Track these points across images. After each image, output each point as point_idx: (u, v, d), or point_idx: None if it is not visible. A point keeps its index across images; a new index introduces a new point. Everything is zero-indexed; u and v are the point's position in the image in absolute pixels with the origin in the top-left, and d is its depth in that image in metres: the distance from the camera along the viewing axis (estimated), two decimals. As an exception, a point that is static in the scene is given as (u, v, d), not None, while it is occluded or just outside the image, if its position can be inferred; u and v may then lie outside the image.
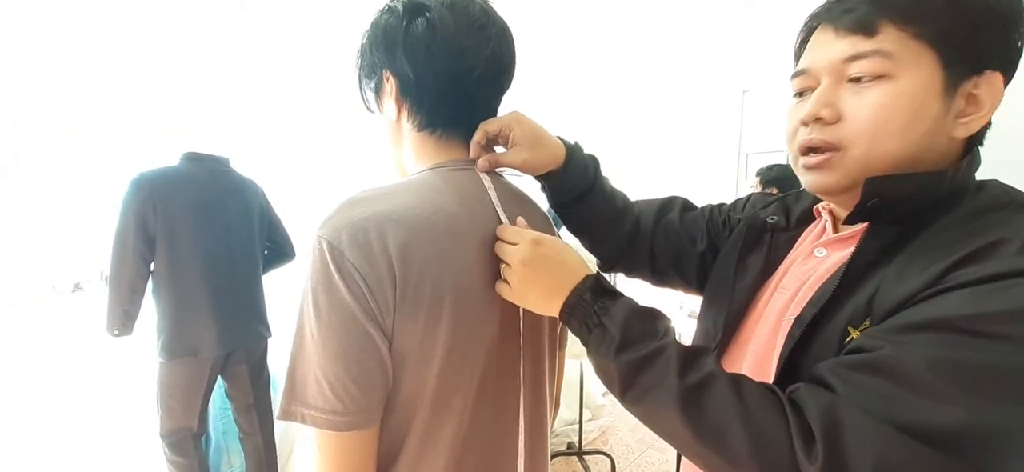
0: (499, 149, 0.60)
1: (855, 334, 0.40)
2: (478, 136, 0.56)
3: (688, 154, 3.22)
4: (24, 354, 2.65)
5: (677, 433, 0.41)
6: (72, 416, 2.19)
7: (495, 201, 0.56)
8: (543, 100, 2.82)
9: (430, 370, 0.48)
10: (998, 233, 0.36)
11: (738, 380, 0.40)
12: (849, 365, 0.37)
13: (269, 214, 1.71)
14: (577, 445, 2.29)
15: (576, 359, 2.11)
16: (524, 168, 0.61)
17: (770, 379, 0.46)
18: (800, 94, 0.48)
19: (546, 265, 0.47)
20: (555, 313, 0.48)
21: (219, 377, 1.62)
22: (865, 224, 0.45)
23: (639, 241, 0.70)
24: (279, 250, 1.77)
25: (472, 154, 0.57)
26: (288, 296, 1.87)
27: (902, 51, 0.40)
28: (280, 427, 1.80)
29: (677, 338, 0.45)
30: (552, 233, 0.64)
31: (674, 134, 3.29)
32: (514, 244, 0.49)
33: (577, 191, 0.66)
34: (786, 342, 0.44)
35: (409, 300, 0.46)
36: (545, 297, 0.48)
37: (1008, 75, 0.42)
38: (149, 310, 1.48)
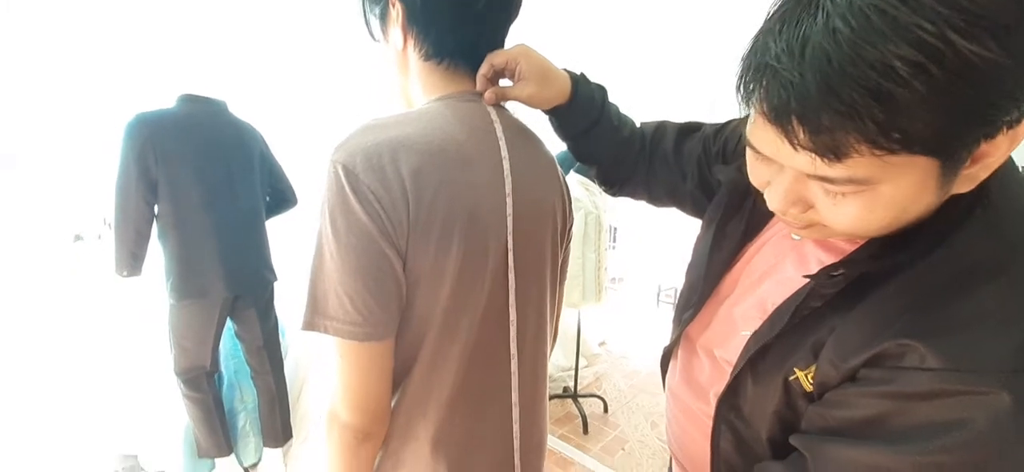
0: (505, 82, 0.60)
1: (800, 375, 0.42)
2: (484, 69, 0.56)
3: (703, 89, 3.08)
4: (36, 302, 2.72)
5: None
6: (90, 359, 2.28)
7: (500, 135, 0.56)
8: (549, 33, 2.71)
9: (441, 290, 0.51)
10: (917, 327, 0.34)
11: None
12: None
13: (269, 160, 1.71)
14: (573, 389, 2.40)
15: (574, 308, 2.17)
16: (530, 103, 0.61)
17: (726, 353, 0.50)
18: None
19: None
20: None
21: (228, 319, 1.68)
22: None
23: (638, 172, 0.70)
24: (281, 196, 1.78)
25: (479, 87, 0.57)
26: (292, 242, 1.90)
27: (880, 172, 0.31)
28: (290, 365, 1.88)
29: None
30: (556, 176, 0.66)
31: (686, 67, 3.15)
32: None
33: (584, 125, 0.66)
34: (741, 355, 0.47)
35: (422, 223, 0.48)
36: None
37: None
38: (157, 252, 1.51)
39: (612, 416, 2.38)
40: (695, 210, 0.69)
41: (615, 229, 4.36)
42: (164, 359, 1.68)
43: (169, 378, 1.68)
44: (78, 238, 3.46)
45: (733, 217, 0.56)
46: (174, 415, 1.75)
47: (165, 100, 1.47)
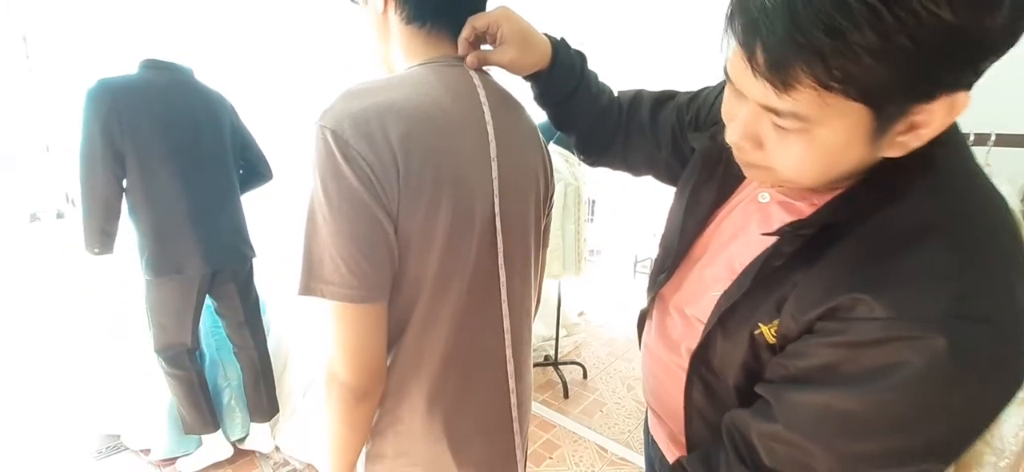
0: (486, 47, 0.61)
1: (764, 329, 0.46)
2: (466, 32, 0.57)
3: (678, 74, 3.15)
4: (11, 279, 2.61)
5: None
6: (66, 341, 2.22)
7: (483, 101, 0.58)
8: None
9: (432, 254, 0.53)
10: (867, 281, 0.38)
11: None
12: (762, 435, 0.45)
13: (241, 131, 1.65)
14: (554, 357, 2.49)
15: (555, 279, 2.23)
16: (511, 68, 0.62)
17: (697, 310, 0.54)
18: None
19: None
20: None
21: (207, 296, 1.65)
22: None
23: (616, 141, 0.73)
24: (254, 170, 1.73)
25: (461, 51, 0.58)
26: (269, 218, 1.86)
27: (820, 112, 0.35)
28: (273, 342, 1.87)
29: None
30: (538, 142, 0.67)
31: (661, 54, 3.20)
32: None
33: (563, 92, 0.67)
34: (713, 313, 0.50)
35: (412, 187, 0.49)
36: None
37: (970, 86, 0.34)
38: (129, 228, 1.46)
39: (591, 381, 2.49)
40: (669, 177, 0.72)
41: (594, 202, 4.41)
42: (144, 337, 1.66)
43: (150, 356, 1.66)
44: (34, 218, 3.28)
45: (705, 184, 0.59)
46: (157, 393, 1.73)
47: (126, 67, 1.40)
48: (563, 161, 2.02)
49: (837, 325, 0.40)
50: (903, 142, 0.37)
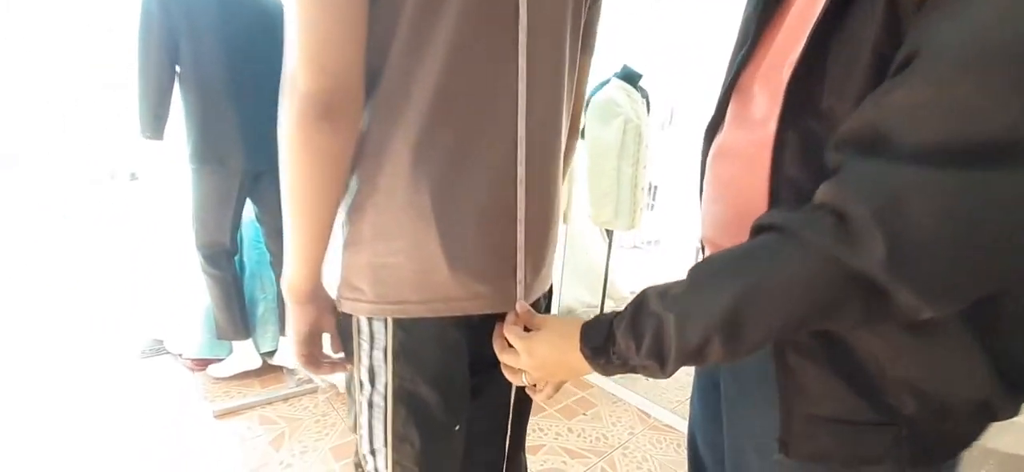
0: None
1: None
2: None
3: None
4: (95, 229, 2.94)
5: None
6: (125, 262, 2.41)
7: None
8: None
9: None
10: None
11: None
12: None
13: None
14: (597, 325, 2.26)
15: (606, 226, 2.02)
16: None
17: (793, 57, 0.39)
18: None
19: (549, 365, 0.49)
20: (585, 370, 0.47)
21: (250, 201, 1.65)
22: None
23: None
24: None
25: None
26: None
27: None
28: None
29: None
30: None
31: None
32: (517, 364, 0.51)
33: None
34: (801, 52, 0.36)
35: None
36: (566, 373, 0.51)
37: None
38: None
39: (638, 356, 2.23)
40: None
41: (656, 188, 4.12)
42: (189, 257, 1.70)
43: (192, 274, 1.70)
44: (112, 176, 3.71)
45: None
46: (195, 301, 1.78)
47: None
48: (625, 95, 1.81)
49: None
50: None
